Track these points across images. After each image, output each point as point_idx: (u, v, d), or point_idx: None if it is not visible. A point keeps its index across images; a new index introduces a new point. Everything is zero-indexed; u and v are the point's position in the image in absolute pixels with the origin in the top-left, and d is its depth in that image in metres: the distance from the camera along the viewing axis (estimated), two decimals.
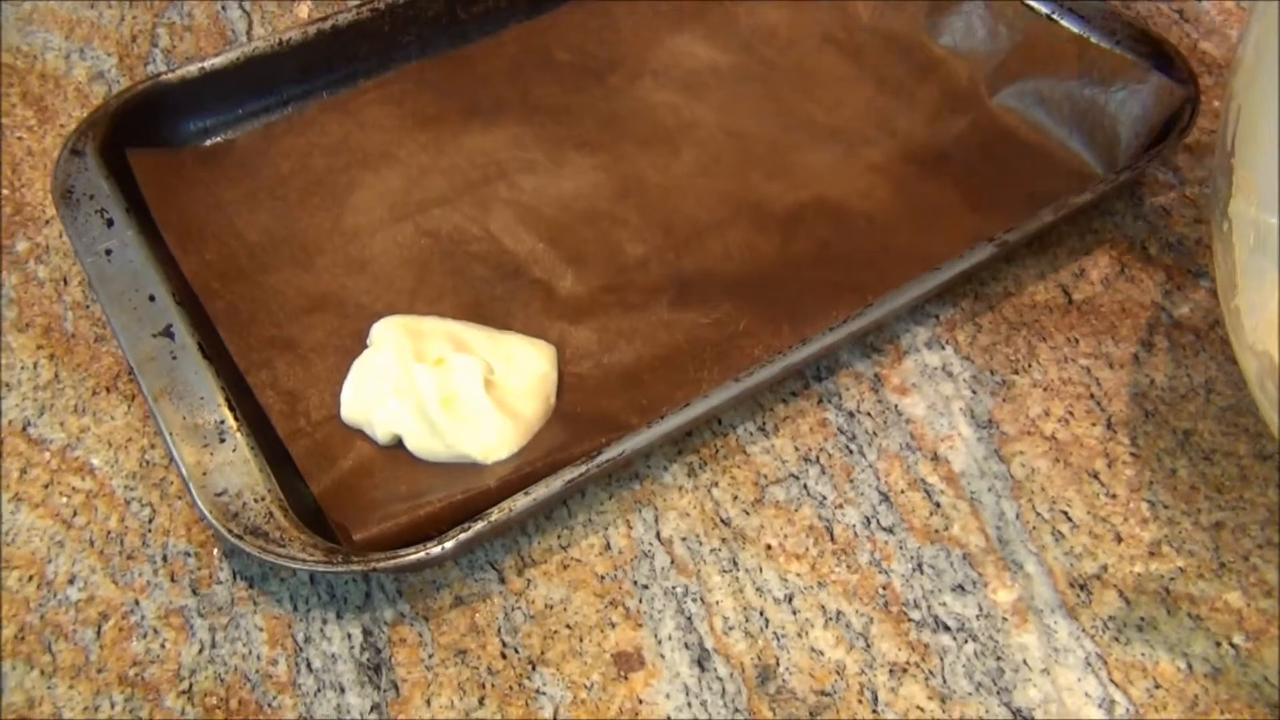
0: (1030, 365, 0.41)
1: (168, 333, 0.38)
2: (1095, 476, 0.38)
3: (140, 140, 0.45)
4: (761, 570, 0.36)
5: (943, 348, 0.41)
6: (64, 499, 0.38)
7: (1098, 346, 0.41)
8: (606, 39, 0.51)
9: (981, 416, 0.39)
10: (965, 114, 0.48)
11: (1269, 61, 0.29)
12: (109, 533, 0.37)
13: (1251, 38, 0.30)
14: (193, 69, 0.47)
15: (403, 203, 0.45)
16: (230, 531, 0.34)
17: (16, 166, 0.48)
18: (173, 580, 0.36)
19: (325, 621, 0.35)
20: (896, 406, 0.40)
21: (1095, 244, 0.44)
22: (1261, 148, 0.30)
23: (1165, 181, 0.46)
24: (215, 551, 0.36)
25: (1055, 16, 0.48)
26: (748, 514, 0.37)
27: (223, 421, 0.36)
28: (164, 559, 0.36)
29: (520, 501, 0.34)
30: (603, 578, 0.36)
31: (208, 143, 0.47)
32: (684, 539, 0.37)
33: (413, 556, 0.33)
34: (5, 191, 0.47)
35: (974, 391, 0.40)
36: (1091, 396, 0.40)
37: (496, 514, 0.34)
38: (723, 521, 0.37)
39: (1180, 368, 0.40)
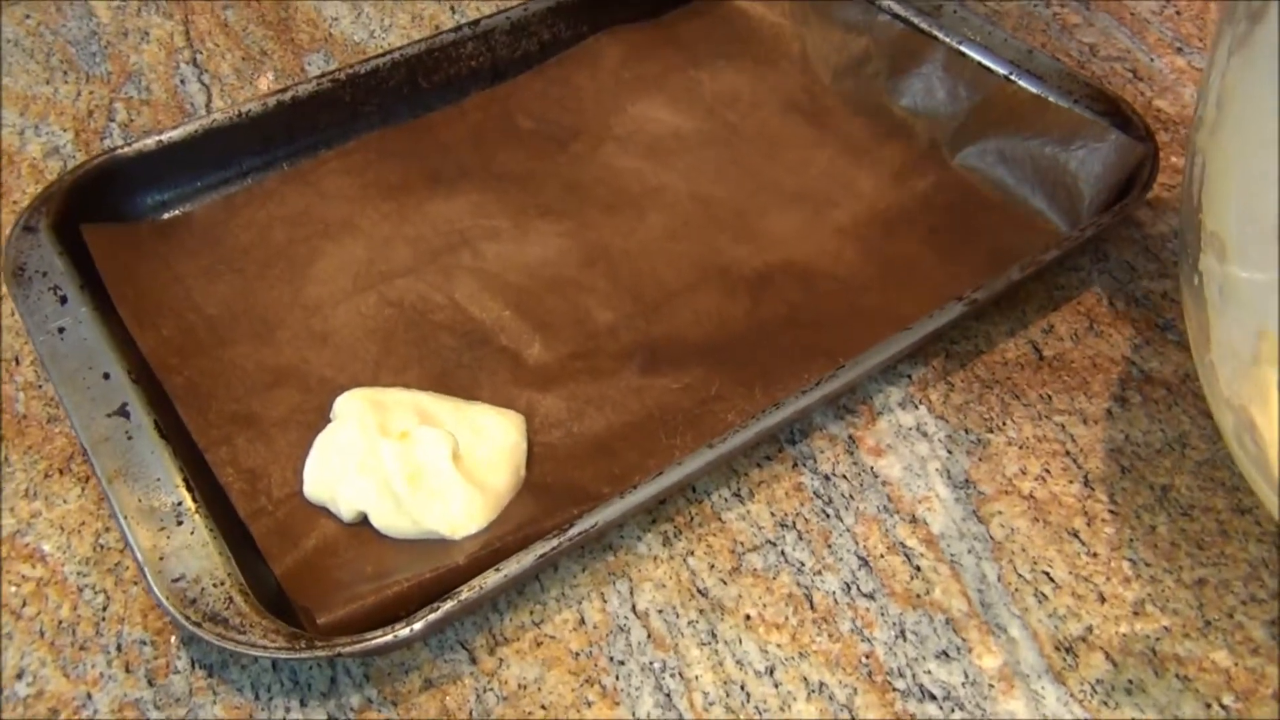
0: (1005, 423, 0.40)
1: (123, 412, 0.37)
2: (1075, 535, 0.37)
3: (96, 215, 0.44)
4: (741, 642, 0.35)
5: (916, 407, 0.41)
6: (13, 588, 0.36)
7: (1071, 403, 0.41)
8: (569, 106, 0.51)
9: (958, 477, 0.39)
10: (928, 174, 0.48)
11: (1232, 116, 0.29)
12: (60, 622, 0.35)
13: (1212, 94, 0.30)
14: (150, 142, 0.46)
15: (366, 273, 0.44)
16: (188, 619, 0.32)
17: None
18: (128, 671, 0.34)
19: (289, 710, 0.33)
20: (872, 468, 0.39)
21: (1063, 300, 0.44)
22: (1230, 201, 0.30)
23: (1128, 237, 0.47)
24: (173, 639, 0.35)
25: (1013, 77, 0.49)
26: (725, 583, 0.36)
27: (180, 503, 0.35)
28: (118, 649, 0.35)
29: (491, 579, 0.33)
30: (577, 655, 0.35)
31: (165, 216, 0.46)
32: (660, 611, 0.36)
33: (380, 640, 0.32)
34: None
35: (949, 451, 0.40)
36: (1067, 454, 0.39)
37: (467, 592, 0.33)
38: (700, 592, 0.36)
39: (1154, 422, 0.40)
